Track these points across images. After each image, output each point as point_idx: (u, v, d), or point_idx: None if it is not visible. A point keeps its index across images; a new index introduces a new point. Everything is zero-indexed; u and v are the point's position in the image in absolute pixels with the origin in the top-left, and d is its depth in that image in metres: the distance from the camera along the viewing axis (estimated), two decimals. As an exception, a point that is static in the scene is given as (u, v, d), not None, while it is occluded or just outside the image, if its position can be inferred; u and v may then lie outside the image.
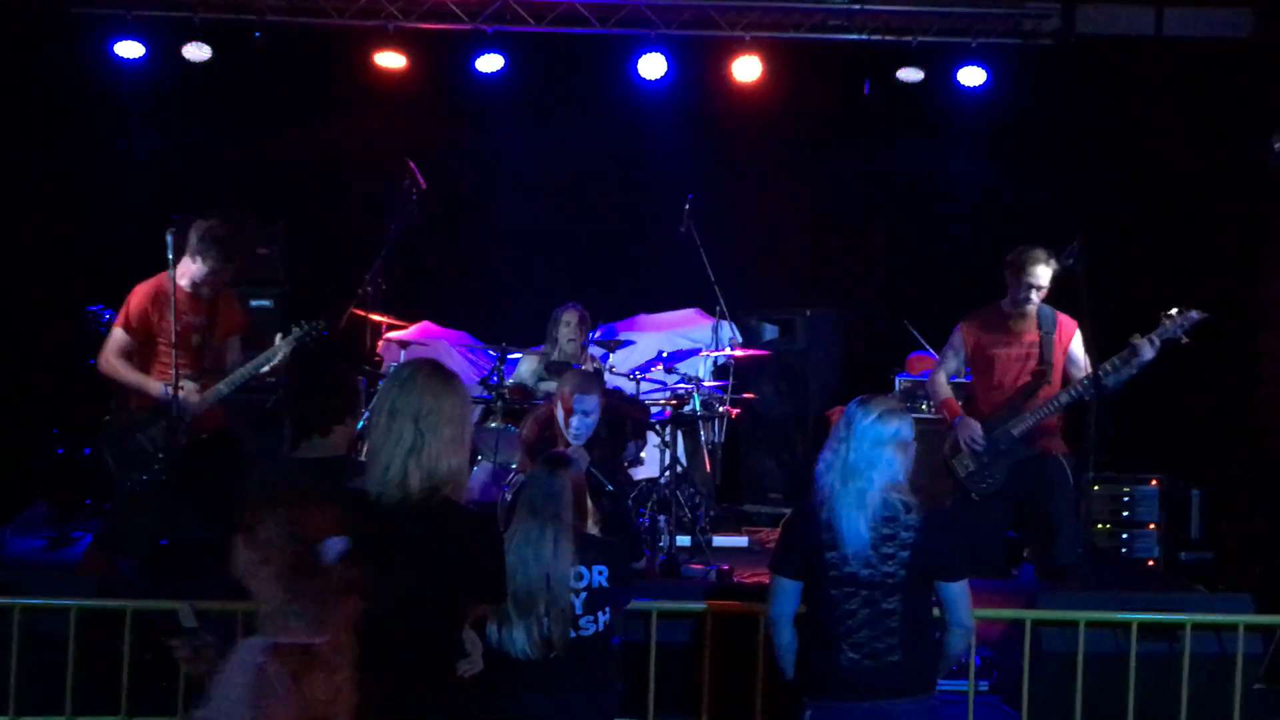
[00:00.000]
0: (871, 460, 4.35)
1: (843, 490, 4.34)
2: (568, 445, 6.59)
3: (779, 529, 4.74)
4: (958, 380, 7.65)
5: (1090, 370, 6.69)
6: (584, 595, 4.67)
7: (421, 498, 3.62)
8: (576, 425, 6.60)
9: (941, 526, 4.41)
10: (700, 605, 5.84)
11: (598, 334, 8.95)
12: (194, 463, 6.66)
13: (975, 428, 6.95)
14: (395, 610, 3.59)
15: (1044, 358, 6.95)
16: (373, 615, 3.58)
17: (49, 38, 9.91)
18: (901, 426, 4.41)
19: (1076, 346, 6.95)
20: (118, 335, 6.74)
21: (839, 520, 4.31)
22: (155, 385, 6.63)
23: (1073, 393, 6.79)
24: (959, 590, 4.41)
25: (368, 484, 3.68)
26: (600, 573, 4.71)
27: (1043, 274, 6.89)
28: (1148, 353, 6.59)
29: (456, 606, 3.75)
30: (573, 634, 4.62)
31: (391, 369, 8.01)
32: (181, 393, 6.50)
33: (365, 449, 3.78)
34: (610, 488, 6.40)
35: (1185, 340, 6.63)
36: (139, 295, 6.75)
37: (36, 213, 10.01)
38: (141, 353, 6.76)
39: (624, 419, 7.03)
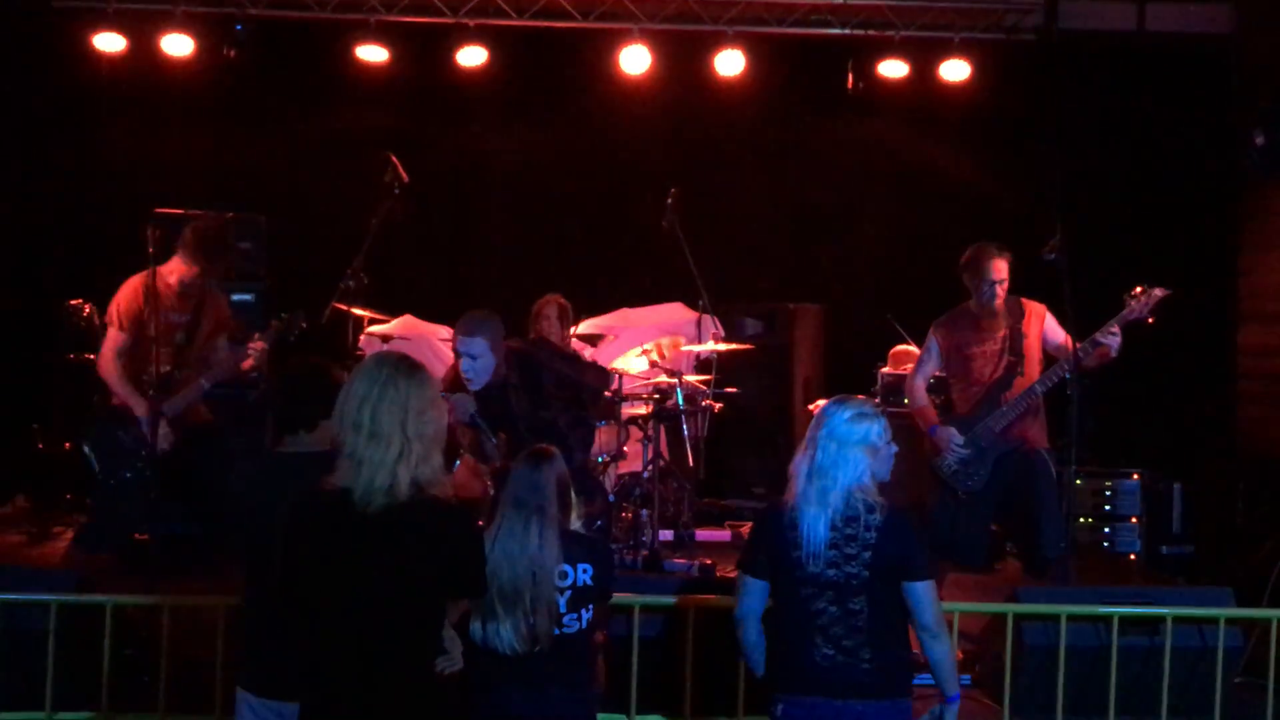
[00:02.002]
0: (838, 460, 4.35)
1: (807, 488, 4.36)
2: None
3: (751, 527, 4.75)
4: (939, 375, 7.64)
5: (1069, 346, 6.71)
6: (569, 594, 4.66)
7: (406, 499, 3.60)
8: (465, 369, 6.36)
9: (902, 527, 4.38)
10: (683, 600, 5.84)
11: (579, 327, 8.94)
12: (178, 458, 6.64)
13: (951, 435, 6.94)
14: (377, 609, 3.59)
15: (1015, 350, 6.96)
16: (354, 614, 3.59)
17: (28, 29, 9.86)
18: (872, 429, 4.40)
19: (1051, 329, 6.96)
20: (114, 337, 6.69)
21: (801, 518, 4.33)
22: (141, 406, 6.59)
23: (1047, 382, 6.81)
24: (922, 590, 4.37)
25: (349, 484, 3.61)
26: (585, 571, 4.69)
27: (1001, 267, 6.90)
28: (1112, 339, 6.65)
29: (438, 603, 3.73)
30: (556, 631, 4.61)
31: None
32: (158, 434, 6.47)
33: (342, 449, 3.66)
34: (493, 440, 6.24)
35: (1150, 320, 6.65)
36: (129, 292, 6.70)
37: (16, 207, 9.96)
38: (129, 349, 6.72)
39: (540, 368, 6.83)
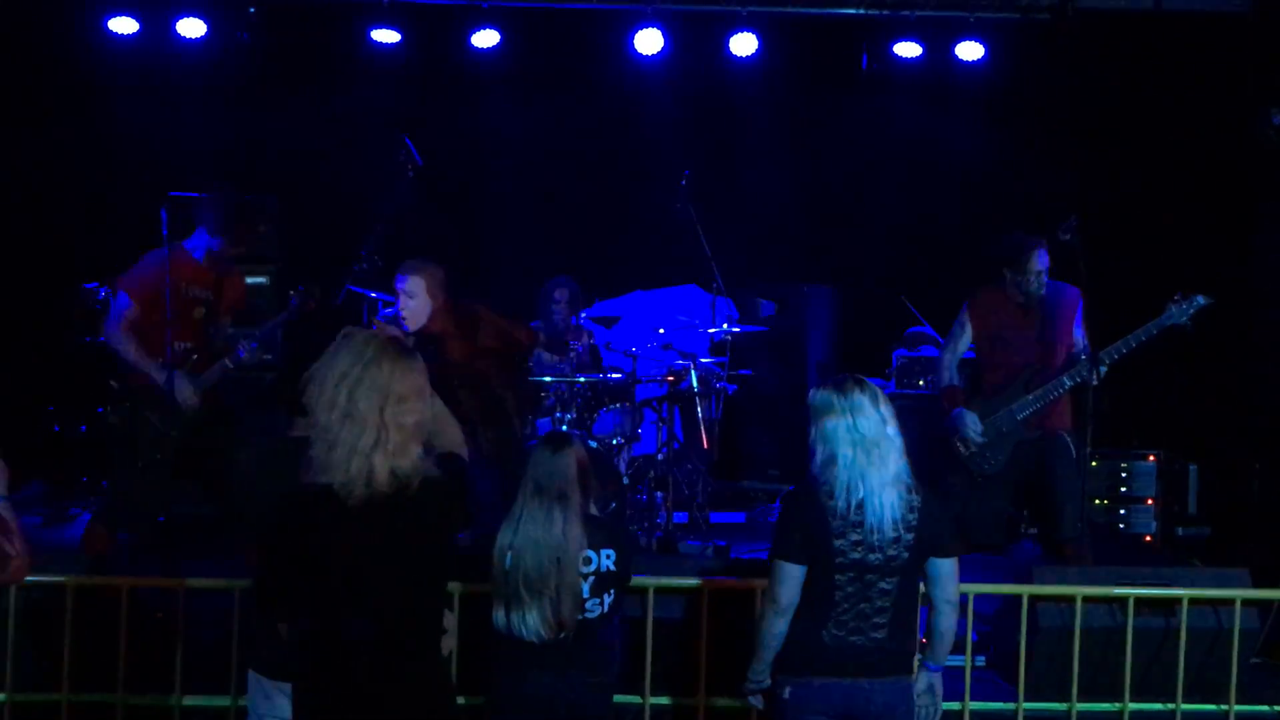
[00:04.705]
0: (880, 440, 4.28)
1: (853, 472, 4.24)
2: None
3: (780, 510, 4.68)
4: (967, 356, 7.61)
5: (1089, 346, 6.69)
6: (592, 579, 4.66)
7: (388, 492, 3.43)
8: (400, 307, 6.81)
9: (938, 507, 4.39)
10: (697, 581, 5.84)
11: (586, 312, 8.94)
12: (192, 440, 6.64)
13: (973, 422, 6.91)
14: (375, 599, 3.48)
15: (1047, 339, 6.93)
16: (353, 606, 3.47)
17: (42, 13, 9.86)
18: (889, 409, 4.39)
19: (1078, 321, 6.94)
20: (126, 306, 6.66)
21: (870, 497, 4.23)
22: (160, 373, 6.57)
23: (1075, 377, 6.78)
24: (950, 567, 4.39)
25: (328, 477, 3.44)
26: (608, 556, 4.69)
27: (1044, 257, 6.87)
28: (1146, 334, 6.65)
29: (436, 585, 3.63)
30: (579, 616, 4.61)
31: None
32: (179, 392, 6.48)
33: (319, 426, 3.48)
34: None
35: (1189, 325, 6.65)
36: (151, 266, 6.67)
37: (31, 190, 9.98)
38: (146, 326, 6.71)
39: (479, 319, 7.02)
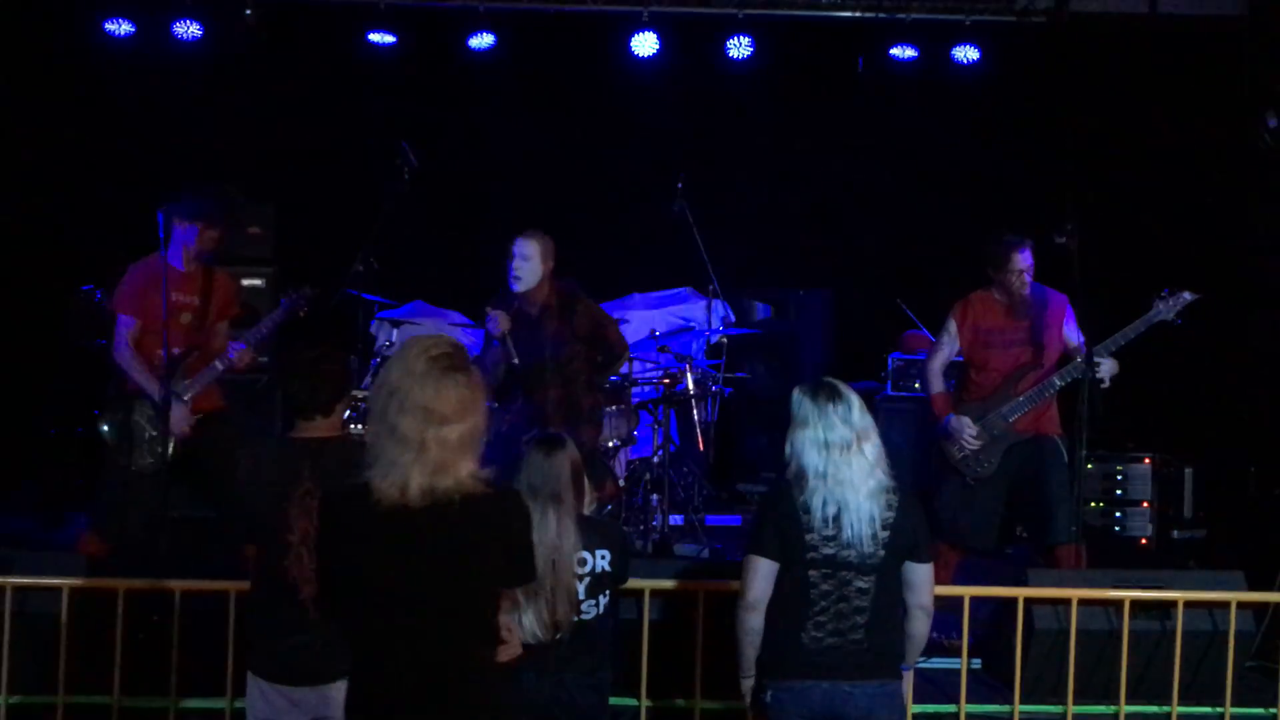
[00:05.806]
0: (866, 440, 4.32)
1: (833, 469, 4.27)
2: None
3: (756, 507, 4.69)
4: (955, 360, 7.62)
5: (1083, 347, 6.70)
6: (587, 580, 4.66)
7: (421, 506, 3.35)
8: (514, 268, 7.02)
9: (915, 507, 4.40)
10: (693, 584, 5.84)
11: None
12: (189, 444, 6.64)
13: (965, 425, 6.92)
14: (422, 609, 3.39)
15: (1036, 341, 6.94)
16: (399, 615, 3.39)
17: (38, 15, 9.86)
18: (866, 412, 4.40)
19: (1070, 324, 6.95)
20: (126, 323, 6.66)
21: (846, 498, 4.25)
22: (159, 391, 6.56)
23: (1066, 377, 6.79)
24: (926, 572, 4.39)
25: (373, 478, 3.38)
26: (603, 557, 4.70)
27: (1025, 258, 6.88)
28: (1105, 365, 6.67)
29: (483, 597, 3.49)
30: (575, 617, 4.61)
31: (387, 343, 8.01)
32: (174, 419, 6.49)
33: (368, 435, 3.45)
34: (513, 360, 6.94)
35: (1178, 321, 6.65)
36: (136, 277, 6.68)
37: (27, 192, 9.97)
38: (140, 338, 6.71)
39: (577, 301, 7.13)
